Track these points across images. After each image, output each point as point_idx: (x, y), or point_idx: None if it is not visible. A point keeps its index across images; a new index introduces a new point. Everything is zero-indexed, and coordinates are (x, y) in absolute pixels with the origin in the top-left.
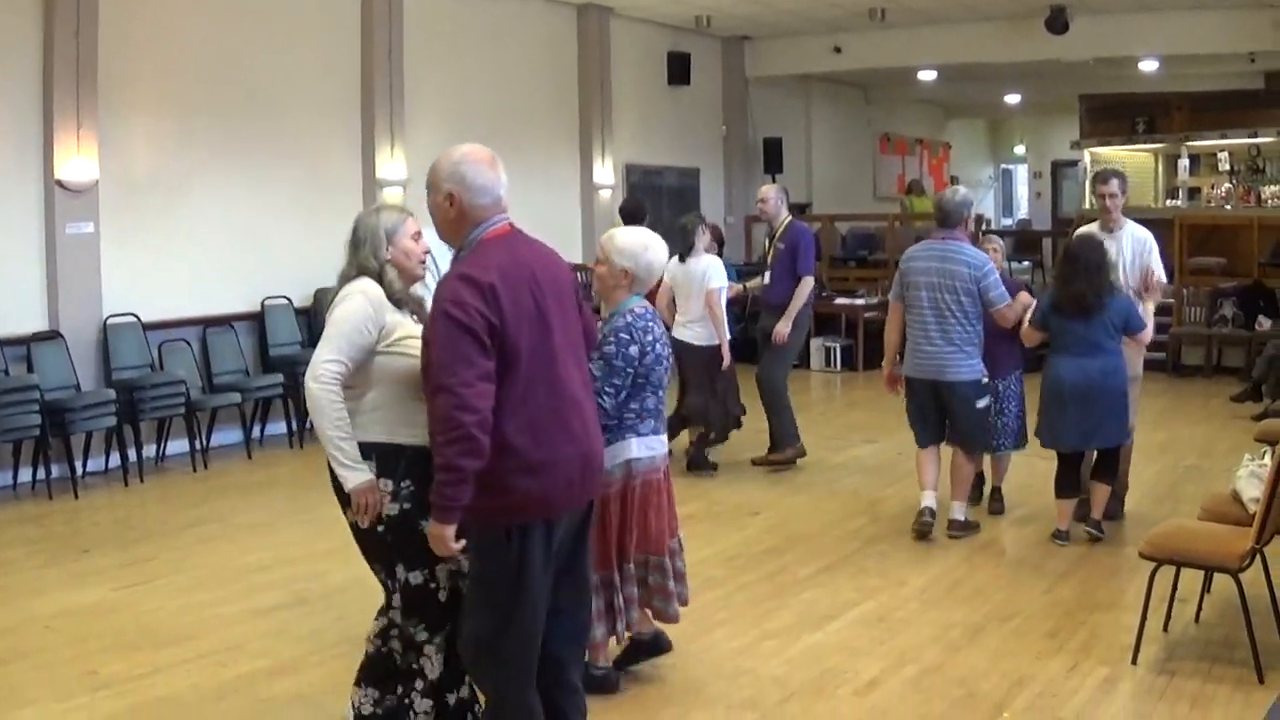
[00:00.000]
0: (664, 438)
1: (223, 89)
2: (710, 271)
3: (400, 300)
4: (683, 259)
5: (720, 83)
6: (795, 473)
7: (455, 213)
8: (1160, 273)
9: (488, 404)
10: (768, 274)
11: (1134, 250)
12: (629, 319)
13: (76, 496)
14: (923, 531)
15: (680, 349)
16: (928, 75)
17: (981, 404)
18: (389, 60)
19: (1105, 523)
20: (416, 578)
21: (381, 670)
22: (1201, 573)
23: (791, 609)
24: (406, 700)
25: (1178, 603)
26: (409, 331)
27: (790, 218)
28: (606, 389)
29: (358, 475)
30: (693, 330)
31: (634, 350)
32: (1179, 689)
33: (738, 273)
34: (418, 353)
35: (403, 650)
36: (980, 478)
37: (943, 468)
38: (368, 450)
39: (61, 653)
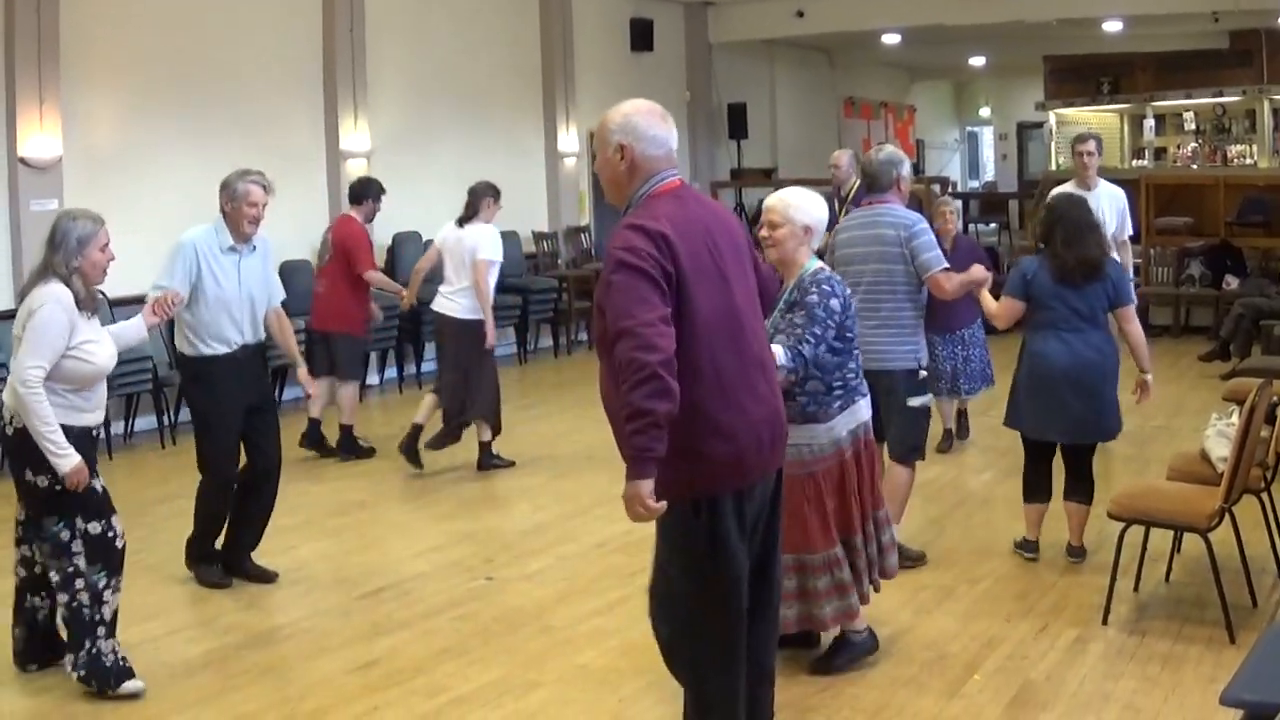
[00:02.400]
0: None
1: (185, 64)
2: (481, 242)
3: (83, 304)
4: (460, 224)
5: (683, 49)
6: None
7: (626, 165)
8: (1130, 229)
9: (671, 344)
10: None
11: (1113, 207)
12: (826, 273)
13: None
14: None
15: (440, 321)
16: (891, 38)
17: (915, 403)
18: (350, 31)
19: None
20: (95, 527)
21: (75, 629)
22: (1171, 533)
23: None
24: (93, 650)
25: (1148, 563)
26: (89, 336)
27: (858, 180)
28: (808, 337)
29: (70, 460)
30: (456, 302)
31: (835, 304)
32: (1150, 649)
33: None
34: (97, 356)
35: (90, 602)
36: (947, 433)
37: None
38: None
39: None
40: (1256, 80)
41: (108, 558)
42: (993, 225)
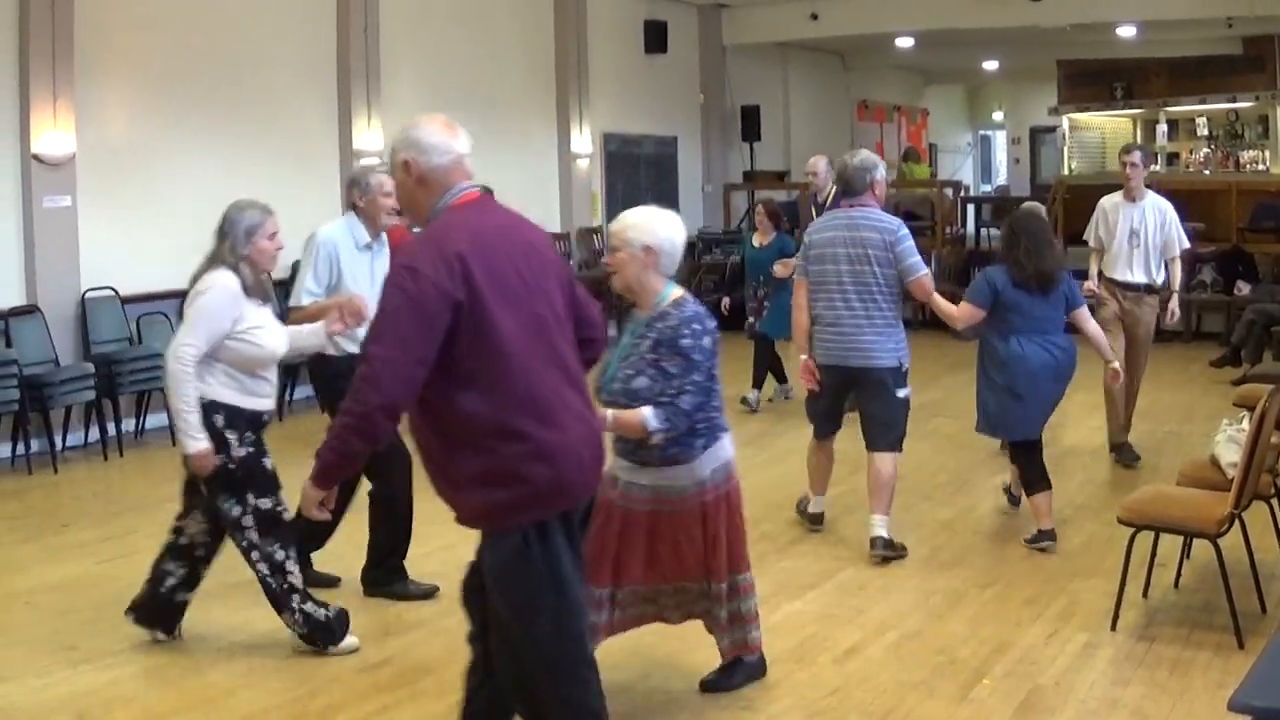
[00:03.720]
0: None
1: (199, 61)
2: None
3: (250, 290)
4: None
5: (697, 51)
6: (773, 440)
7: (415, 179)
8: (1184, 241)
9: (404, 391)
10: None
11: (1156, 221)
12: (692, 307)
13: (56, 471)
14: (816, 528)
15: None
16: (905, 42)
17: (902, 394)
18: (365, 31)
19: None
20: (265, 503)
21: (275, 597)
22: (1181, 538)
23: (771, 578)
24: (298, 616)
25: (1157, 568)
26: (257, 321)
27: (835, 188)
28: (688, 387)
29: (198, 444)
30: None
31: (708, 341)
32: (1159, 655)
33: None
34: (263, 340)
35: (271, 573)
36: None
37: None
38: (219, 408)
39: (42, 628)
40: (1270, 86)
41: (279, 531)
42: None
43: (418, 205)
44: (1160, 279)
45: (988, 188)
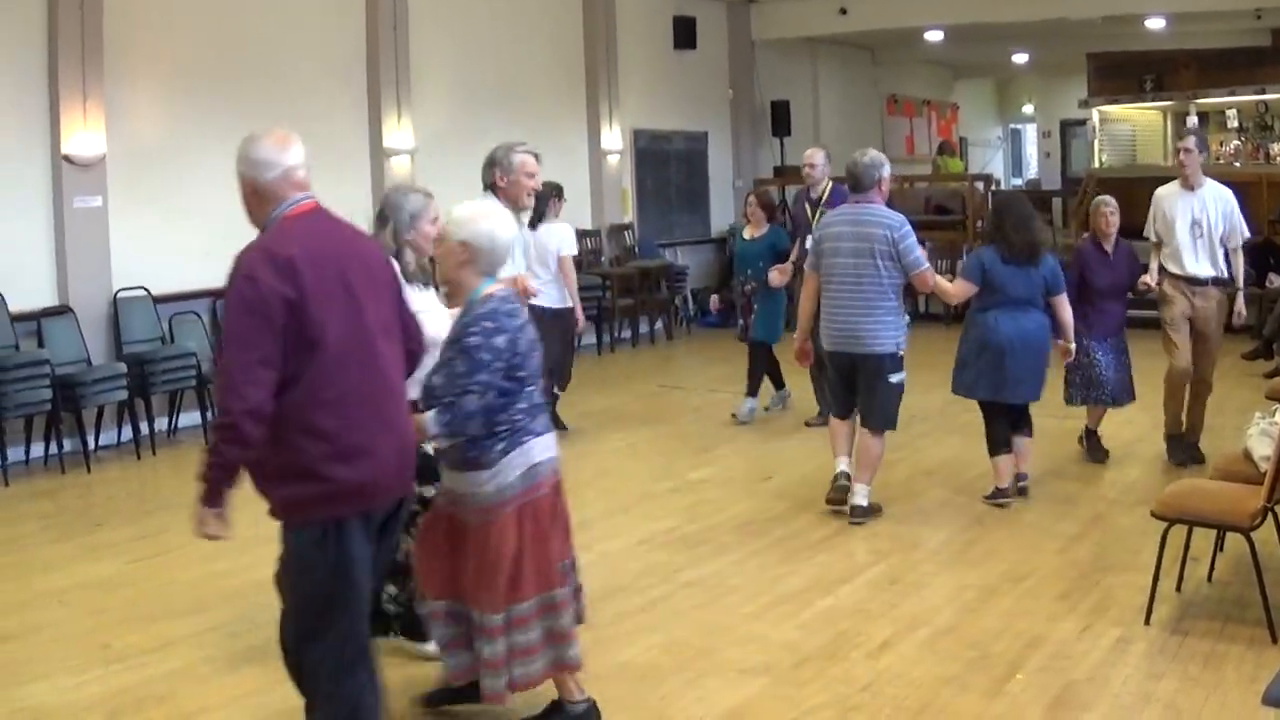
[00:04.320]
0: (552, 438)
1: (228, 60)
2: (565, 240)
3: (411, 276)
4: (532, 227)
5: (726, 46)
6: (808, 437)
7: (250, 192)
8: (1246, 231)
9: (261, 393)
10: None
11: (1219, 209)
12: (491, 305)
13: (89, 470)
14: (838, 498)
15: (534, 312)
16: (934, 36)
17: (895, 379)
18: (395, 28)
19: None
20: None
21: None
22: (1214, 532)
23: (804, 574)
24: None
25: (1190, 562)
26: (418, 306)
27: (832, 182)
28: (471, 387)
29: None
30: (546, 294)
31: (501, 340)
32: (1192, 649)
33: (790, 239)
34: (425, 326)
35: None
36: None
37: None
38: None
39: (75, 626)
40: None
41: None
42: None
43: (254, 215)
44: (1225, 270)
45: (1018, 181)
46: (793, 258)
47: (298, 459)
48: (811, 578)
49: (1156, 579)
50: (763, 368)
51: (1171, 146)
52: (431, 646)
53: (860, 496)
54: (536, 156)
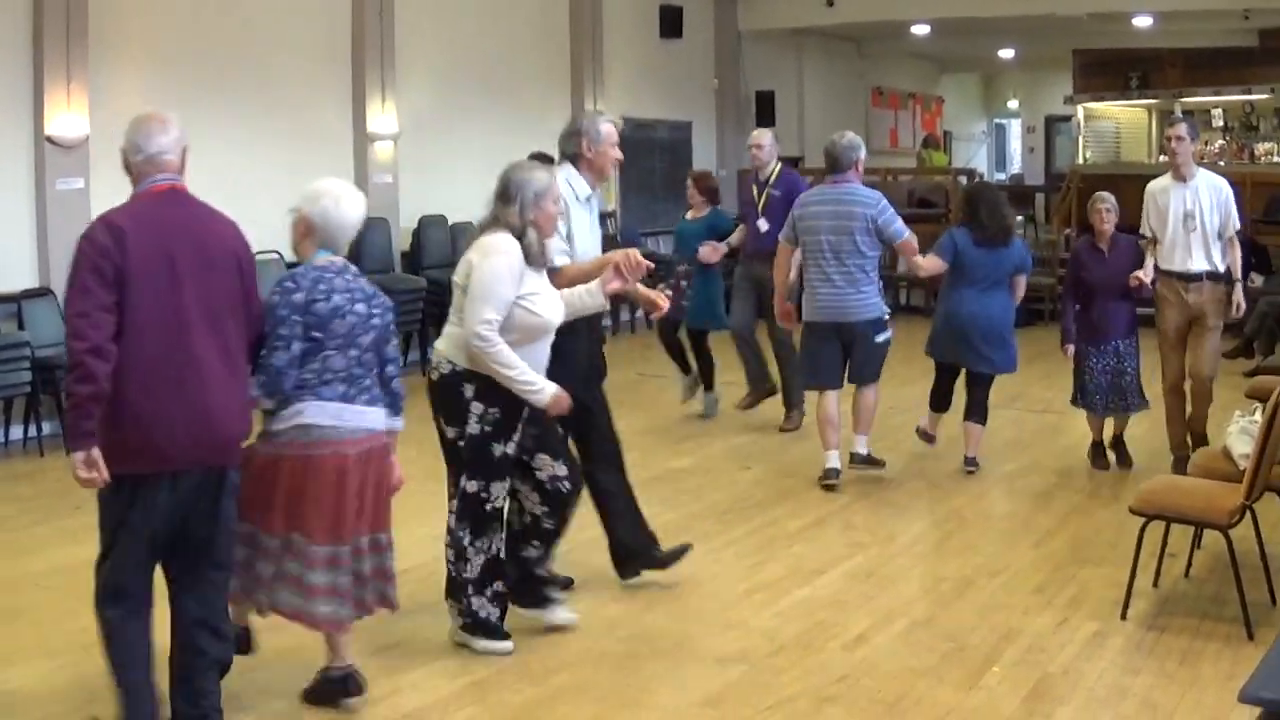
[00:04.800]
0: (367, 410)
1: (213, 44)
2: None
3: (534, 258)
4: None
5: (712, 36)
6: (784, 433)
7: (125, 167)
8: (1236, 224)
9: (101, 333)
10: (762, 221)
11: (1211, 200)
12: (302, 270)
13: (69, 453)
14: (829, 485)
15: None
16: (921, 29)
17: (881, 338)
18: (380, 13)
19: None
20: (472, 486)
21: (452, 583)
22: (1192, 528)
23: (781, 563)
24: (467, 602)
25: (1168, 558)
26: (535, 288)
27: (780, 164)
28: (275, 342)
29: (545, 392)
30: None
31: (299, 298)
32: (1168, 645)
33: (733, 222)
34: (542, 308)
35: (455, 559)
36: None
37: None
38: (472, 376)
39: (53, 610)
40: None
41: (474, 517)
42: (1020, 218)
43: (133, 187)
44: (1223, 264)
45: (1002, 176)
46: (734, 240)
47: (109, 413)
48: (789, 568)
49: (1134, 574)
50: (707, 359)
51: (1156, 145)
52: (560, 616)
53: (861, 445)
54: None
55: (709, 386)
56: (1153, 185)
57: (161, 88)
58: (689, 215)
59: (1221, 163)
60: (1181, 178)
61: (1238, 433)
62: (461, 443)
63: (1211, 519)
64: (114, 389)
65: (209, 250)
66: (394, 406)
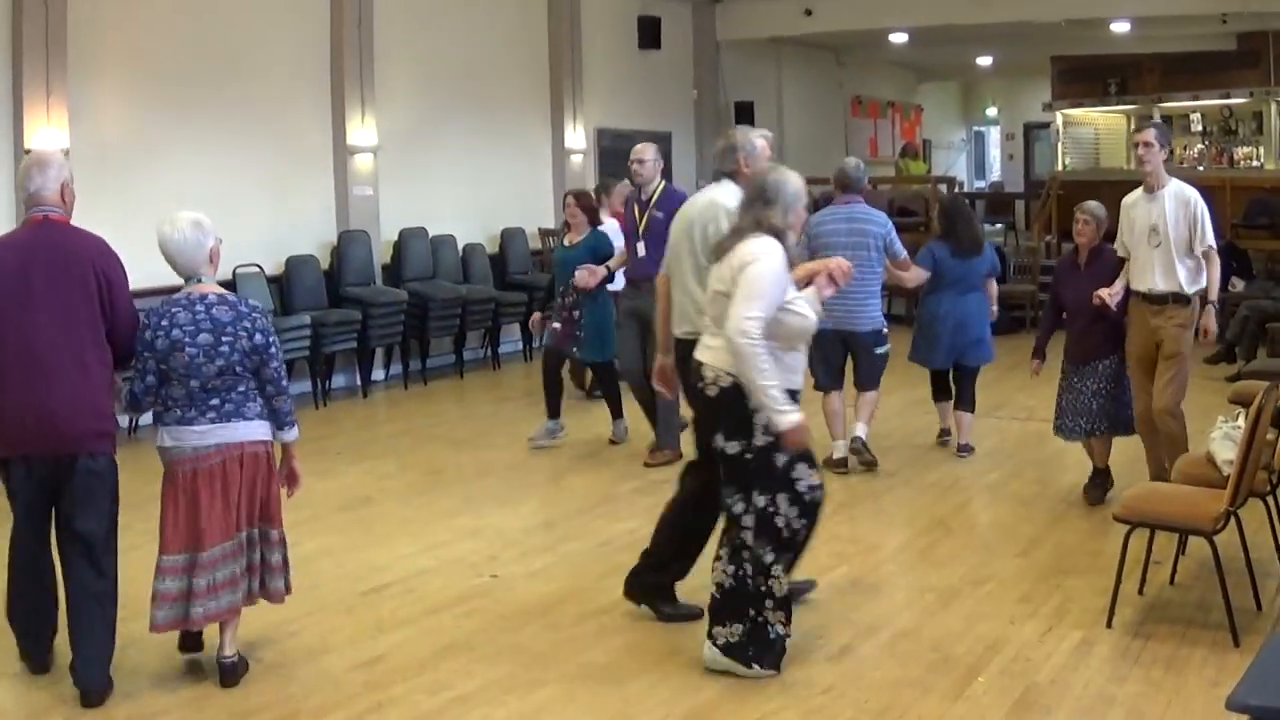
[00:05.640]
0: (212, 428)
1: (192, 57)
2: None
3: (790, 261)
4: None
5: (691, 46)
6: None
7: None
8: (1207, 238)
9: None
10: (641, 245)
11: (1177, 213)
12: (157, 305)
13: None
14: (841, 471)
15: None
16: (899, 38)
17: (880, 351)
18: (359, 26)
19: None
20: (761, 500)
21: (736, 600)
22: (1176, 535)
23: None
24: (760, 619)
25: (1152, 566)
26: (795, 292)
27: (664, 182)
28: (131, 372)
29: (790, 416)
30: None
31: (146, 335)
32: (1154, 652)
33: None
34: (803, 311)
35: (753, 574)
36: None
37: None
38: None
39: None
40: (1264, 82)
41: (773, 533)
42: (999, 225)
43: None
44: (1191, 286)
45: (982, 184)
46: (613, 264)
47: None
48: None
49: (1118, 582)
50: (616, 391)
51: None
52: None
53: (862, 431)
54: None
55: (618, 414)
56: (1127, 198)
57: (140, 101)
58: (567, 240)
59: (1201, 167)
60: (1150, 189)
61: (1221, 438)
62: (749, 455)
63: (1196, 525)
64: None
65: (66, 270)
66: (276, 421)
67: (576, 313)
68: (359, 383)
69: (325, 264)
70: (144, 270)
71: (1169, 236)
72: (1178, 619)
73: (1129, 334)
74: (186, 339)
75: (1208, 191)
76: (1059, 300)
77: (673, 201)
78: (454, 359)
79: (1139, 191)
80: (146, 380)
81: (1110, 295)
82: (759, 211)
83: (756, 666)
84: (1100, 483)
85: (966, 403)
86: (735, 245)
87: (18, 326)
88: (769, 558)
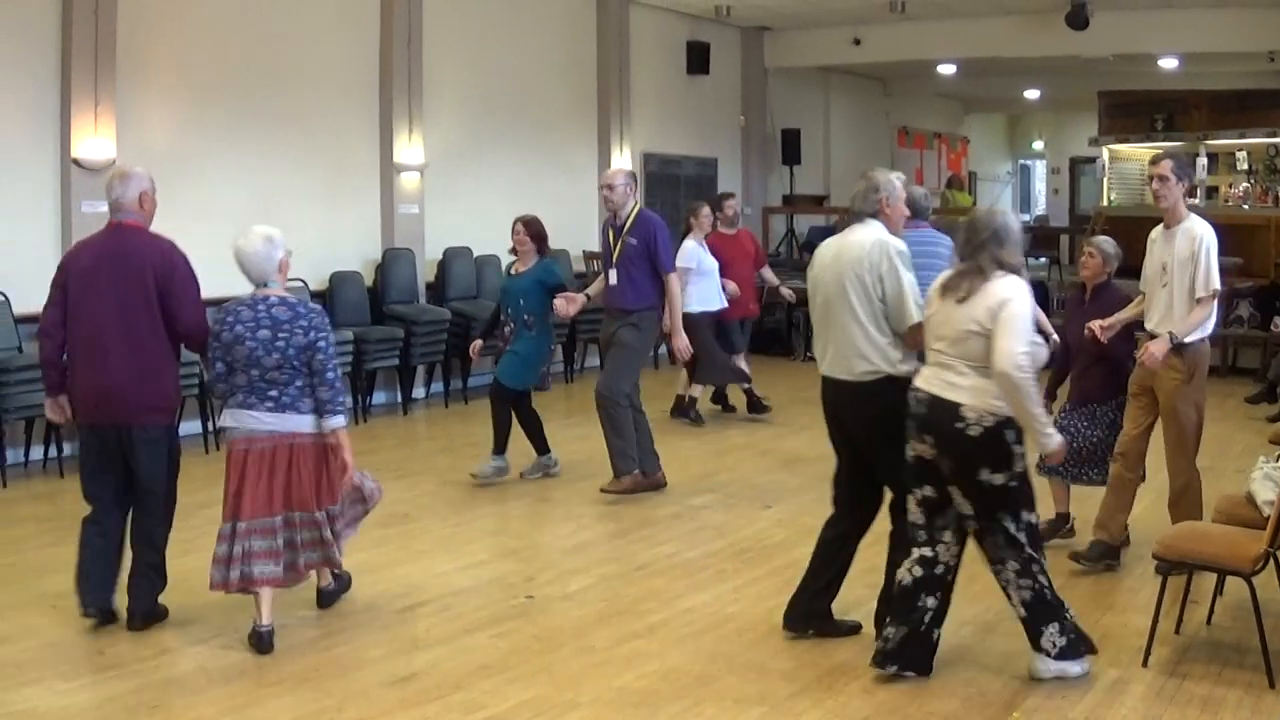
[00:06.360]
0: (267, 416)
1: (241, 70)
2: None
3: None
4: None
5: (739, 73)
6: (808, 466)
7: None
8: (1211, 283)
9: (46, 321)
10: (614, 273)
11: (1186, 250)
12: (228, 304)
13: None
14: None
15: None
16: (947, 69)
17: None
18: (408, 44)
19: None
20: (1032, 518)
21: (1044, 609)
22: (1214, 575)
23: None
24: (1069, 616)
25: (1190, 605)
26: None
27: (638, 206)
28: (206, 361)
29: (1058, 437)
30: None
31: (216, 329)
32: (1189, 692)
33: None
34: (1041, 343)
35: (1048, 584)
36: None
37: None
38: (1010, 421)
39: (68, 631)
40: None
41: (1038, 543)
42: (1043, 260)
43: None
44: (1193, 335)
45: (1026, 217)
46: (591, 292)
47: (67, 378)
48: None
49: (1155, 621)
50: (507, 420)
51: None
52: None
53: None
54: None
55: (543, 450)
56: (1153, 233)
57: (189, 114)
58: (514, 268)
59: (1245, 206)
60: (1167, 223)
61: (1261, 479)
62: (1014, 483)
63: (1234, 566)
64: (69, 362)
65: (126, 268)
66: (320, 411)
67: (512, 340)
68: (399, 400)
69: (369, 281)
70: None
71: (1175, 276)
72: (1214, 659)
73: (1135, 371)
74: (248, 334)
75: (1250, 230)
76: (1064, 338)
77: (647, 228)
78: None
79: (1161, 226)
80: (216, 368)
81: (1101, 327)
82: (995, 252)
83: (1084, 662)
84: (1057, 527)
85: None
86: (980, 286)
87: (86, 316)
88: (1046, 563)
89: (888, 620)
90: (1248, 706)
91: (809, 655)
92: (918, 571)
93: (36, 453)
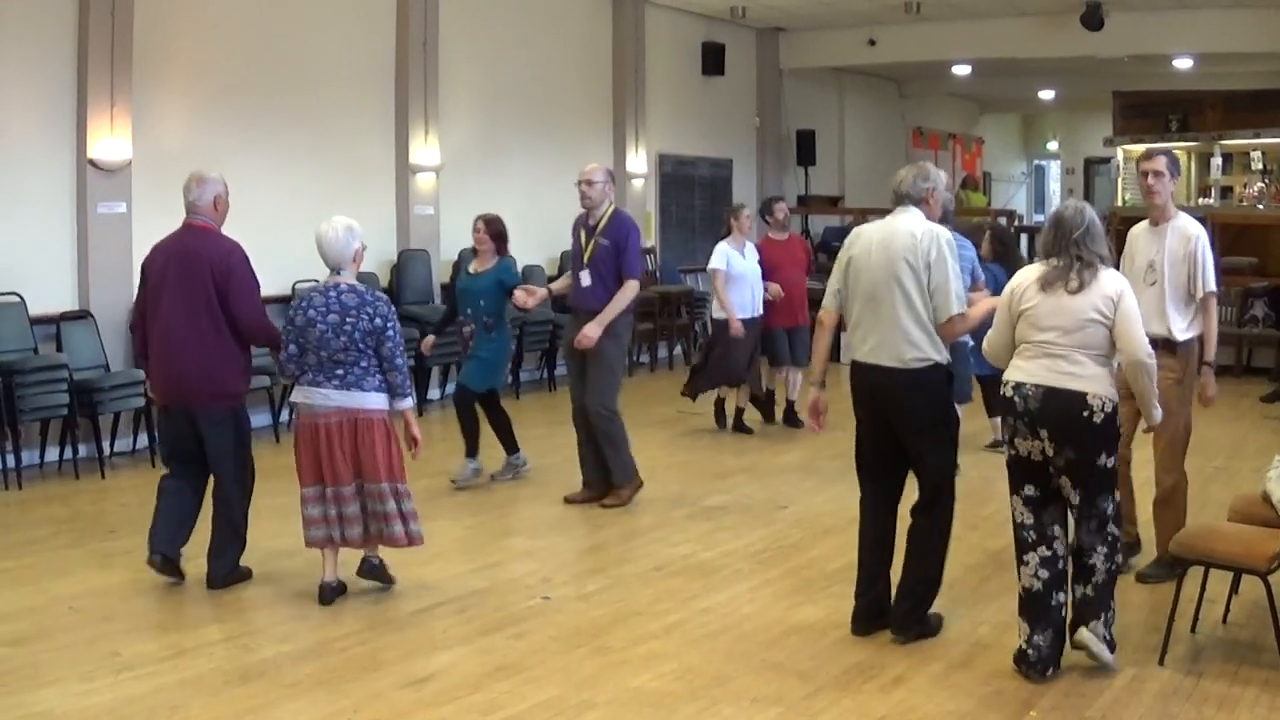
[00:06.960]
0: (335, 393)
1: (257, 70)
2: (712, 255)
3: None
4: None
5: (754, 74)
6: (825, 465)
7: None
8: (1208, 283)
9: (136, 316)
10: (585, 273)
11: (1178, 250)
12: (303, 290)
13: (103, 477)
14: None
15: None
16: (962, 70)
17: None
18: (424, 45)
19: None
20: (1116, 497)
21: (1107, 590)
22: (1230, 574)
23: (818, 604)
24: (1113, 604)
25: (1206, 604)
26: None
27: (614, 207)
28: (281, 342)
29: (1159, 412)
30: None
31: (290, 313)
32: (1205, 690)
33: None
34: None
35: (1117, 571)
36: None
37: None
38: (1114, 404)
39: (85, 633)
40: None
41: (1119, 525)
42: None
43: None
44: (1185, 333)
45: (1041, 218)
46: (556, 287)
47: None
48: (826, 608)
49: (1172, 619)
50: (474, 421)
51: (1195, 187)
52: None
53: None
54: None
55: (512, 449)
56: (1133, 229)
57: (205, 116)
58: (472, 267)
59: (1260, 205)
60: (1154, 221)
61: (1277, 478)
62: (1111, 465)
63: (1250, 564)
64: (149, 352)
65: (188, 265)
66: (391, 392)
67: (472, 343)
68: (415, 402)
69: (385, 282)
70: None
71: (1165, 275)
72: (1230, 658)
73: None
74: (318, 318)
75: (1264, 230)
76: None
77: (621, 230)
78: (511, 379)
79: (1145, 223)
80: (289, 350)
81: None
82: (1091, 245)
83: (1116, 656)
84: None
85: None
86: (1093, 276)
87: (158, 311)
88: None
89: (1032, 629)
90: (1264, 704)
91: (826, 655)
92: (1044, 574)
93: (52, 454)
